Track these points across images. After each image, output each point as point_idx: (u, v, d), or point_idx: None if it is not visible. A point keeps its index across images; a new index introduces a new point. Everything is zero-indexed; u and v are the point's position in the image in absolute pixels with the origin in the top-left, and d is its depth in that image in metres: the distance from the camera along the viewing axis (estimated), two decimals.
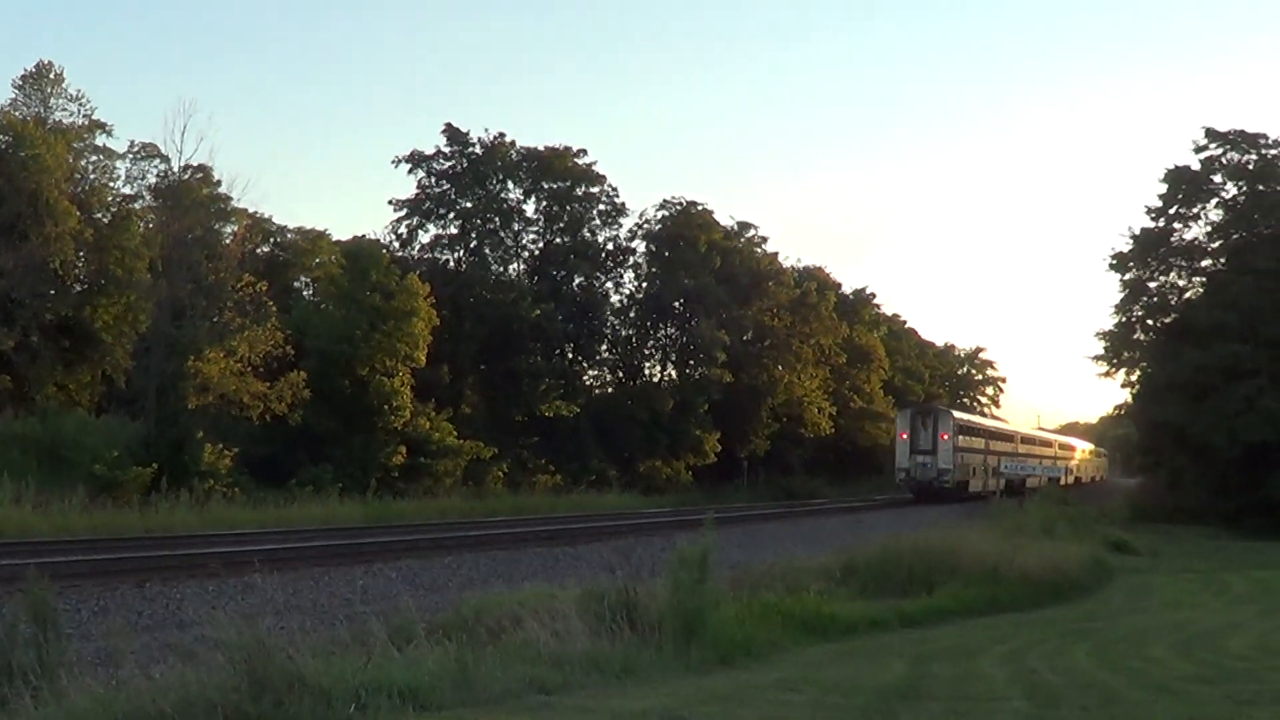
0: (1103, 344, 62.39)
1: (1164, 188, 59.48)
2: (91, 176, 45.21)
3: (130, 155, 46.69)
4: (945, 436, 57.96)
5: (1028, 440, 78.29)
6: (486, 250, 60.60)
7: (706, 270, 66.34)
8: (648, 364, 69.13)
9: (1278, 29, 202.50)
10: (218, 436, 37.60)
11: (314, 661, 8.32)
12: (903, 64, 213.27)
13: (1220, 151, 58.11)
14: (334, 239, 58.82)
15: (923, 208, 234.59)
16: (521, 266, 62.68)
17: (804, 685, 9.90)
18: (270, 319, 42.30)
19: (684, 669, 10.85)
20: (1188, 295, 60.48)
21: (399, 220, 59.66)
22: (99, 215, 44.08)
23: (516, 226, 62.09)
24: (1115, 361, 62.37)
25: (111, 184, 46.04)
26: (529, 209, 62.92)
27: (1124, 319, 61.39)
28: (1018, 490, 61.99)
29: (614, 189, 64.64)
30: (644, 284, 67.72)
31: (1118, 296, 61.18)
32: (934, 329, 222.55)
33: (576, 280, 63.56)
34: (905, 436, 59.05)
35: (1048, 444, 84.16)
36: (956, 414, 64.32)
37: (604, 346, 67.16)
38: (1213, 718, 8.16)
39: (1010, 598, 21.92)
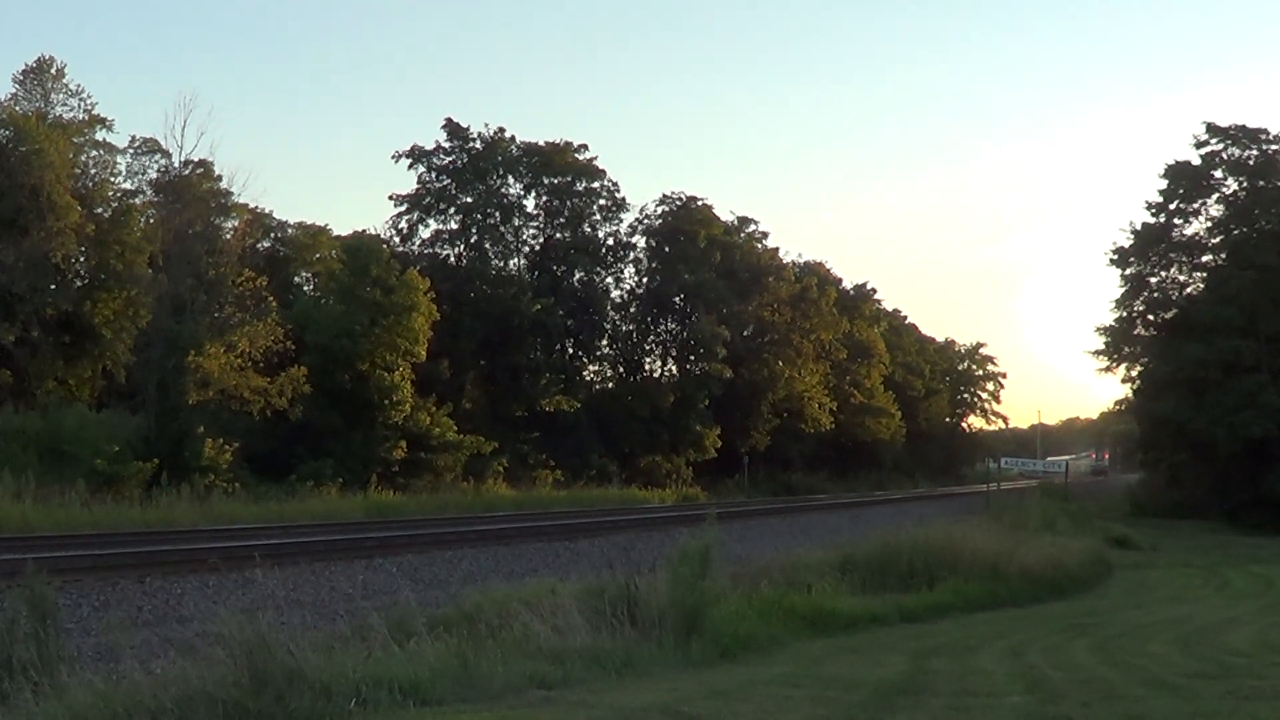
0: (1103, 339, 62.49)
1: (1165, 183, 59.49)
2: (92, 171, 45.06)
3: (131, 150, 46.61)
4: (1105, 456, 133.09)
5: None
6: (487, 245, 60.59)
7: (707, 265, 66.36)
8: (648, 359, 69.32)
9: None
10: (218, 431, 37.60)
11: (314, 656, 8.30)
12: (905, 58, 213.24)
13: (1221, 147, 58.10)
14: (334, 234, 58.70)
15: (923, 203, 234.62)
16: (522, 261, 62.69)
17: (804, 680, 9.90)
18: (271, 314, 42.31)
19: (684, 664, 10.84)
20: (1188, 290, 60.52)
21: (399, 215, 59.82)
22: (100, 210, 43.93)
23: (517, 221, 62.10)
24: (1116, 357, 62.45)
25: (112, 179, 45.90)
26: (529, 204, 63.05)
27: (1124, 314, 61.44)
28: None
29: (614, 184, 64.76)
30: (644, 279, 67.79)
31: (1118, 291, 61.31)
32: (934, 324, 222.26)
33: (577, 275, 63.59)
34: (1093, 456, 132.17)
35: None
36: (1105, 450, 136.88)
37: (604, 342, 67.19)
38: (1212, 713, 8.15)
39: (1010, 593, 21.92)
